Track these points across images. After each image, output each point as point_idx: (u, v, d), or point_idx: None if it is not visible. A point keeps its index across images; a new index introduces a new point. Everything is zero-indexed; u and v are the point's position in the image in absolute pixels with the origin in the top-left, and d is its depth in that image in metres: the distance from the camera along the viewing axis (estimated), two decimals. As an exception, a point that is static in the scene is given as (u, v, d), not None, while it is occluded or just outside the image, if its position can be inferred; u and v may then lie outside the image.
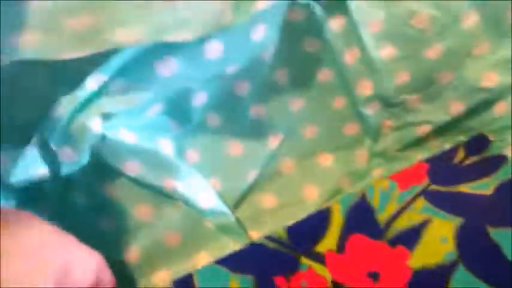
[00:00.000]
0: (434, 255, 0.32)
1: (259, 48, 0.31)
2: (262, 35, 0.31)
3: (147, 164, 0.32)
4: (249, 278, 0.32)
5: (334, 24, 0.32)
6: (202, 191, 0.34)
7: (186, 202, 0.33)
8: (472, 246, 0.32)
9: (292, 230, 0.34)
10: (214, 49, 0.30)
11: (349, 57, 0.33)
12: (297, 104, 0.35)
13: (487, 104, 0.36)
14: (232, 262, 0.33)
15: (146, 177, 0.32)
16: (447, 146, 0.36)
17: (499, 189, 0.34)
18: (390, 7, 0.31)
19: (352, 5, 0.31)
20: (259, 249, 0.34)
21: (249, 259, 0.33)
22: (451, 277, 0.30)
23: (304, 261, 0.33)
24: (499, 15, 0.33)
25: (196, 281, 0.32)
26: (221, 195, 0.34)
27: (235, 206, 0.35)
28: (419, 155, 0.36)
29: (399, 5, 0.31)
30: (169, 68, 0.29)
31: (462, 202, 0.33)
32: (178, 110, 0.32)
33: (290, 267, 0.32)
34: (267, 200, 0.36)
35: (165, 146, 0.33)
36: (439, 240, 0.32)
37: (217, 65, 0.31)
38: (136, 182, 0.32)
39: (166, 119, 0.33)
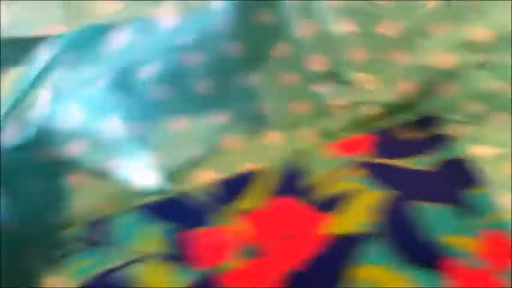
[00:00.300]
0: (355, 224, 0.33)
1: (214, 21, 0.31)
2: (218, 7, 0.30)
3: (90, 145, 0.32)
4: (171, 226, 0.33)
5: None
6: (143, 169, 0.34)
7: (125, 181, 0.33)
8: (392, 220, 0.33)
9: (220, 185, 0.35)
10: (166, 21, 0.29)
11: (305, 30, 0.33)
12: (249, 79, 0.35)
13: (438, 85, 0.37)
14: (156, 209, 0.34)
15: (87, 158, 0.32)
16: (394, 125, 0.37)
17: (437, 166, 0.35)
18: None
19: None
20: (185, 200, 0.34)
21: (173, 208, 0.34)
22: (362, 247, 0.32)
23: (227, 214, 0.33)
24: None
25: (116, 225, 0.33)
26: (161, 170, 0.35)
27: (174, 180, 0.35)
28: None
29: None
30: (118, 40, 0.29)
31: (398, 176, 0.35)
32: (124, 83, 0.32)
33: (211, 221, 0.33)
34: (207, 175, 0.36)
35: (112, 123, 0.33)
36: (363, 210, 0.33)
37: (169, 37, 0.30)
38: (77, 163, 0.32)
39: (112, 93, 0.32)
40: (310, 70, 0.35)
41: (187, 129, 0.35)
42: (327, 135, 0.38)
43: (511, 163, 0.35)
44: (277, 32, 0.33)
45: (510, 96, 0.36)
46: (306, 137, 0.37)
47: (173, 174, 0.35)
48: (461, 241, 0.32)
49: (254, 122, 0.36)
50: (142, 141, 0.34)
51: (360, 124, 0.38)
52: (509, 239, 0.32)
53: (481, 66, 0.36)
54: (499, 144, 0.36)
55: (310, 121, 0.38)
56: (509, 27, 0.34)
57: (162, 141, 0.35)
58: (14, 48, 0.29)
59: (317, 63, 0.35)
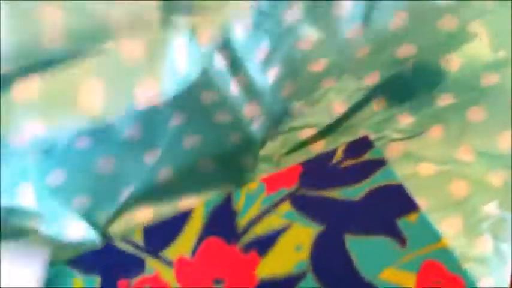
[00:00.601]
0: (285, 264, 0.32)
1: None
2: None
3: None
4: (94, 279, 0.32)
5: (219, 61, 0.31)
6: (69, 226, 0.33)
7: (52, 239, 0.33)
8: (325, 257, 0.32)
9: (147, 231, 0.34)
10: None
11: (235, 86, 0.33)
12: (176, 120, 0.34)
13: (366, 101, 0.37)
14: (82, 263, 0.33)
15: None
16: (331, 147, 0.37)
17: (367, 196, 0.34)
18: (278, 36, 0.31)
19: (236, 43, 0.30)
20: (111, 250, 0.33)
21: (99, 260, 0.33)
22: (296, 288, 0.30)
23: (152, 264, 0.32)
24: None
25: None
26: (92, 215, 0.34)
27: (108, 223, 0.35)
28: (305, 158, 0.37)
29: (287, 33, 0.31)
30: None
31: (327, 208, 0.34)
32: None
33: (136, 271, 0.32)
34: (143, 213, 0.36)
35: (25, 193, 0.32)
36: (294, 249, 0.32)
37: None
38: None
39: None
40: (244, 116, 0.35)
41: (116, 171, 0.35)
42: (264, 161, 0.38)
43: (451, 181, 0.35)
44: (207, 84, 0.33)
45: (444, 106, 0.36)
46: (243, 164, 0.37)
47: (107, 217, 0.35)
48: (398, 276, 0.32)
49: (185, 155, 0.36)
50: (66, 186, 0.33)
51: (296, 148, 0.38)
52: (449, 270, 0.31)
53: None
54: (438, 160, 0.35)
55: (245, 148, 0.37)
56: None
57: (91, 185, 0.34)
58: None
59: (250, 111, 0.35)
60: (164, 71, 0.25)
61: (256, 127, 0.36)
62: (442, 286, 0.31)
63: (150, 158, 0.35)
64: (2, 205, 0.30)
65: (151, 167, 0.35)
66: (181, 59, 0.26)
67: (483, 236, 0.34)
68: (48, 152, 0.30)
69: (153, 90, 0.25)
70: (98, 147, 0.33)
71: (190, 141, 0.36)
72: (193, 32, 0.27)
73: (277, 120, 0.37)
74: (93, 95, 0.25)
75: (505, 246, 0.33)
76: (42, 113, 0.25)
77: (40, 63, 0.27)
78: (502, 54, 0.35)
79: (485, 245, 0.33)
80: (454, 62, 0.35)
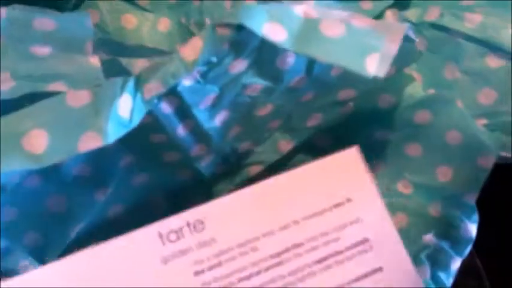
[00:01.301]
0: None
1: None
2: None
3: None
4: None
5: (167, 107, 0.33)
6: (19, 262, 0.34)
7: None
8: None
9: None
10: None
11: (182, 130, 0.34)
12: (125, 160, 0.35)
13: (310, 140, 0.39)
14: None
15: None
16: None
17: None
18: (225, 84, 0.32)
19: (183, 92, 0.31)
20: None
21: None
22: None
23: None
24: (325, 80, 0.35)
25: None
26: (43, 252, 0.34)
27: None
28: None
29: (234, 81, 0.33)
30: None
31: None
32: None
33: None
34: None
35: None
36: None
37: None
38: None
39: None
40: (192, 155, 0.37)
41: (67, 209, 0.35)
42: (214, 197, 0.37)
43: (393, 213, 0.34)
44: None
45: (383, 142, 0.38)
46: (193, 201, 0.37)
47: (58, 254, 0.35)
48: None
49: (134, 192, 0.37)
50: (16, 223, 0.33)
51: (245, 184, 0.36)
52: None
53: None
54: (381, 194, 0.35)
55: (194, 186, 0.38)
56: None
57: (41, 223, 0.34)
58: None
59: (197, 151, 0.37)
60: (108, 123, 0.27)
61: (205, 165, 0.37)
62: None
63: (100, 196, 0.36)
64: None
65: (102, 204, 0.36)
66: (124, 109, 0.27)
67: (423, 266, 0.35)
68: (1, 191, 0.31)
69: (96, 143, 0.26)
70: (48, 186, 0.34)
71: (140, 179, 0.37)
72: (138, 84, 0.28)
73: (226, 158, 0.38)
74: (38, 142, 0.26)
75: (442, 275, 0.35)
76: None
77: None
78: (433, 92, 0.37)
79: (424, 273, 0.35)
80: (390, 101, 0.37)
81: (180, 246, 0.29)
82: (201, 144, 0.36)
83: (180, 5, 0.44)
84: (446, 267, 0.35)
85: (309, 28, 0.28)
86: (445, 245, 0.36)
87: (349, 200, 0.30)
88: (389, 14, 0.40)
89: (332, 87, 0.35)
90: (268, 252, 0.30)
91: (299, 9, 0.29)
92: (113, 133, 0.27)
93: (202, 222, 0.29)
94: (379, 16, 0.40)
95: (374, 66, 0.28)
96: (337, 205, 0.30)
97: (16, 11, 0.32)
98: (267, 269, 0.29)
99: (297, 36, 0.28)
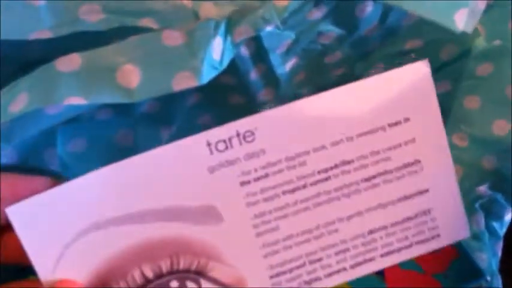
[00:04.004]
0: None
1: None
2: None
3: None
4: None
5: (244, 50, 0.33)
6: None
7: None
8: None
9: None
10: None
11: (255, 73, 0.35)
12: (193, 99, 0.36)
13: None
14: None
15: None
16: None
17: None
18: (301, 31, 0.33)
19: (263, 37, 0.32)
20: None
21: None
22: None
23: None
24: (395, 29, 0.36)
25: None
26: None
27: None
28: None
29: (310, 29, 0.33)
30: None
31: None
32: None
33: None
34: None
35: (52, 157, 0.34)
36: None
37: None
38: None
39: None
40: (258, 100, 0.37)
41: None
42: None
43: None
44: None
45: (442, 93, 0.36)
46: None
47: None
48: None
49: None
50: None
51: None
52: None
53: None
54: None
55: None
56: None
57: None
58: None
59: (264, 96, 0.37)
60: (203, 64, 0.27)
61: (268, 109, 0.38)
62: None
63: (166, 133, 0.37)
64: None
65: (166, 141, 0.37)
66: (217, 51, 0.28)
67: (477, 214, 0.36)
68: (73, 121, 0.31)
69: (190, 83, 0.27)
70: (118, 120, 0.35)
71: (204, 120, 0.38)
72: (229, 27, 0.28)
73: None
74: (131, 77, 0.27)
75: (496, 224, 0.36)
76: (83, 87, 0.27)
77: (81, 34, 0.29)
78: (497, 43, 0.37)
79: (478, 222, 0.36)
80: (452, 52, 0.37)
81: (228, 156, 0.29)
82: (269, 88, 0.36)
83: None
84: (499, 218, 0.36)
85: None
86: (499, 196, 0.37)
87: (407, 120, 0.30)
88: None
89: (401, 37, 0.36)
90: (316, 167, 0.29)
91: None
92: (206, 74, 0.27)
93: (252, 133, 0.29)
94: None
95: (463, 22, 0.28)
96: (394, 124, 0.30)
97: None
98: (313, 183, 0.30)
99: (388, -13, 0.28)
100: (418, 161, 0.31)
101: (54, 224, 0.28)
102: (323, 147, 0.30)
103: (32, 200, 0.27)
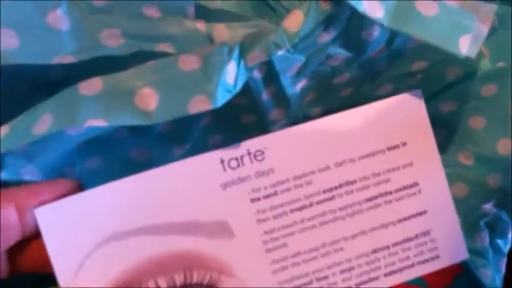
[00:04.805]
0: None
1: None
2: None
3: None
4: None
5: (257, 73, 0.34)
6: None
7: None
8: None
9: None
10: None
11: (266, 94, 0.36)
12: (206, 119, 0.37)
13: None
14: None
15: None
16: None
17: None
18: (311, 54, 0.34)
19: (275, 60, 0.33)
20: None
21: None
22: None
23: None
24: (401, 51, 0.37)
25: None
26: None
27: None
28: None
29: (320, 51, 0.34)
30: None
31: None
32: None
33: None
34: None
35: (71, 175, 0.35)
36: None
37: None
38: None
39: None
40: (269, 119, 0.39)
41: None
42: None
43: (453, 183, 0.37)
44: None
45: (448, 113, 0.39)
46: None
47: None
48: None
49: None
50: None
51: None
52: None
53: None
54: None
55: None
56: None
57: None
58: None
59: (275, 115, 0.38)
60: (218, 88, 0.29)
61: (278, 128, 0.39)
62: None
63: (179, 151, 0.38)
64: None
65: (179, 158, 0.38)
66: (231, 75, 0.29)
67: (481, 232, 0.37)
68: (90, 139, 0.33)
69: (205, 106, 0.29)
70: (134, 139, 0.36)
71: (216, 139, 0.39)
72: (242, 52, 0.30)
73: (297, 122, 0.40)
74: (149, 101, 0.28)
75: (500, 241, 0.37)
76: (104, 110, 0.28)
77: (100, 58, 0.30)
78: (501, 65, 0.38)
79: (483, 239, 0.37)
80: (457, 73, 0.38)
81: (239, 174, 0.30)
82: (279, 108, 0.37)
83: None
84: (504, 235, 0.37)
85: (405, 5, 0.30)
86: (503, 214, 0.38)
87: (404, 144, 0.32)
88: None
89: (407, 58, 0.37)
90: (321, 186, 0.31)
91: None
92: (220, 98, 0.29)
93: (262, 152, 0.31)
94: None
95: (466, 47, 0.29)
96: (392, 147, 0.32)
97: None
98: (319, 202, 0.31)
99: (394, 13, 0.30)
100: (416, 184, 0.32)
101: (76, 231, 0.29)
102: (328, 167, 0.31)
103: (58, 203, 0.29)
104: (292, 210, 0.31)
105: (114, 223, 0.29)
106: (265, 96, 0.36)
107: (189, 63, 0.29)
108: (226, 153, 0.30)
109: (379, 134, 0.32)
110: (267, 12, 0.39)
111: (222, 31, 0.38)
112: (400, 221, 0.32)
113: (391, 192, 0.32)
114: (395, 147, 0.32)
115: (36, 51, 0.30)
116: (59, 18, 0.31)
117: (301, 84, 0.36)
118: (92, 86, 0.28)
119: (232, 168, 0.30)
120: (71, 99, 0.28)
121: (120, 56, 0.31)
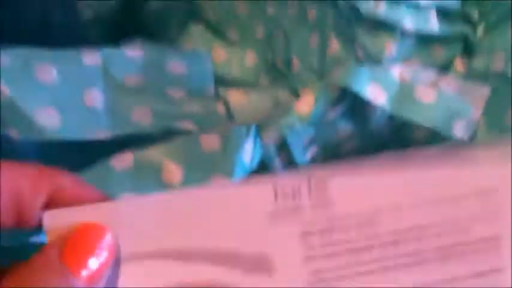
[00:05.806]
0: None
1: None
2: None
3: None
4: None
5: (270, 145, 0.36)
6: None
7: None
8: None
9: None
10: None
11: (278, 162, 0.38)
12: None
13: None
14: None
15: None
16: None
17: None
18: (321, 128, 0.37)
19: (287, 135, 0.36)
20: None
21: None
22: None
23: None
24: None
25: None
26: None
27: None
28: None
29: (328, 126, 0.37)
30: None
31: None
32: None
33: None
34: None
35: None
36: None
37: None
38: None
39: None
40: None
41: None
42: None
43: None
44: None
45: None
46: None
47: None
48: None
49: None
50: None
51: None
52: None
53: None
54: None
55: None
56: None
57: None
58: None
59: None
60: (235, 168, 0.32)
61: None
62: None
63: None
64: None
65: None
66: (248, 154, 0.33)
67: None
68: None
69: (224, 182, 0.32)
70: None
71: None
72: (259, 132, 0.33)
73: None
74: (174, 176, 0.32)
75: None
76: (134, 185, 0.32)
77: (131, 135, 0.34)
78: (496, 134, 0.38)
79: None
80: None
81: (293, 204, 0.26)
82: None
83: (267, 40, 0.47)
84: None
85: (405, 93, 0.33)
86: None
87: (493, 191, 0.27)
88: (459, 63, 0.44)
89: (409, 128, 0.40)
90: (386, 228, 0.27)
91: (395, 72, 0.34)
92: (237, 175, 0.32)
93: (325, 183, 0.27)
94: (448, 65, 0.44)
95: (460, 131, 0.32)
96: (478, 194, 0.27)
97: (151, 52, 0.37)
98: (381, 245, 0.27)
99: (395, 100, 0.33)
100: (496, 237, 0.28)
101: None
102: (397, 208, 0.27)
103: (70, 210, 0.25)
104: (348, 251, 0.27)
105: (135, 241, 0.26)
106: (277, 163, 0.39)
107: (210, 143, 0.32)
108: (282, 180, 0.27)
109: (468, 176, 0.27)
110: (278, 78, 0.43)
111: (237, 96, 0.42)
112: (469, 276, 0.27)
113: (466, 244, 0.27)
114: (482, 193, 0.27)
115: (76, 128, 0.34)
116: (96, 97, 0.34)
117: (311, 153, 0.40)
118: (123, 161, 0.32)
119: (285, 197, 0.26)
120: (103, 173, 0.32)
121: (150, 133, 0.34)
